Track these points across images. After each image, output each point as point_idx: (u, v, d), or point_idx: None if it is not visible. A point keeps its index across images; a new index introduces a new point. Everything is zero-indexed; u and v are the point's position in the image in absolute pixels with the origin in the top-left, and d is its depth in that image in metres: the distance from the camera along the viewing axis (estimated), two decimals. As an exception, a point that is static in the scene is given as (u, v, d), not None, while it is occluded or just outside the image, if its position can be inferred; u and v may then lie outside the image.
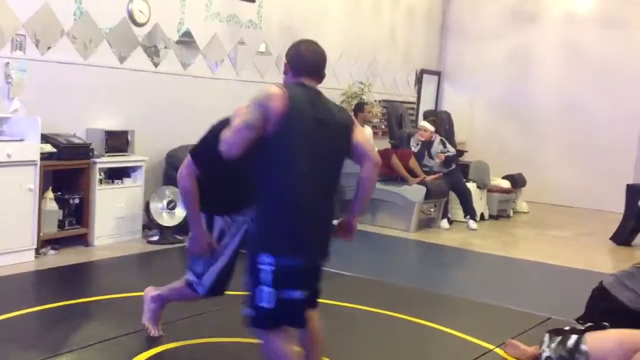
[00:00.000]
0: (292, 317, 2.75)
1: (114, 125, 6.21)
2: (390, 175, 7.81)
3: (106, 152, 5.93)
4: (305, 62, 2.83)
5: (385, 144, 8.78)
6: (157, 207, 6.18)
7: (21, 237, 5.13)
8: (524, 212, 9.22)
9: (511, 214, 8.92)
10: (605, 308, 3.02)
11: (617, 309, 3.02)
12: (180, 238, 6.21)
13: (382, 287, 5.23)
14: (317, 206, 2.72)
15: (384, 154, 7.99)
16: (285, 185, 2.68)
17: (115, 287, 4.71)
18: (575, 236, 7.95)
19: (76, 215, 5.73)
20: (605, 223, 8.24)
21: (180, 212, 6.22)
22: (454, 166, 8.22)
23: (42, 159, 5.27)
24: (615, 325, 2.95)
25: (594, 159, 9.78)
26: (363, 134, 2.94)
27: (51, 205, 5.50)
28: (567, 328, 2.97)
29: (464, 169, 8.59)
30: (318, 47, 2.88)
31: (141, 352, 3.52)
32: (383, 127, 9.48)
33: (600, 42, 9.78)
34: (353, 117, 2.99)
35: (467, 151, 9.70)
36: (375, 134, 8.62)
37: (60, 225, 5.60)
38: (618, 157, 9.58)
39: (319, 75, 2.86)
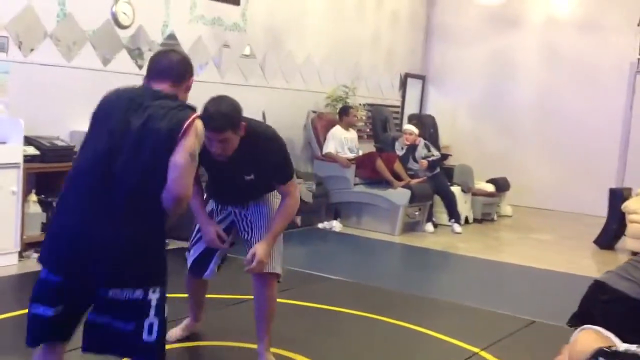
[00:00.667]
0: (37, 334, 2.52)
1: (98, 127, 6.16)
2: (375, 179, 7.82)
3: (90, 155, 5.88)
4: (151, 66, 2.72)
5: (370, 147, 8.79)
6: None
7: (4, 240, 5.08)
8: (508, 216, 9.28)
9: (495, 217, 8.97)
10: (605, 300, 3.01)
11: (617, 298, 3.01)
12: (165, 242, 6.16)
13: (367, 290, 5.23)
14: (86, 226, 2.38)
15: (368, 157, 8.03)
16: (61, 196, 2.56)
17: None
18: (559, 239, 8.01)
19: (59, 219, 5.67)
20: (587, 226, 8.31)
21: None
22: (438, 170, 8.25)
23: (25, 161, 5.22)
24: (614, 316, 2.95)
25: (575, 162, 9.86)
26: (184, 153, 2.39)
27: (34, 208, 5.45)
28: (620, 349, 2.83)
29: (448, 172, 8.63)
30: (170, 53, 2.80)
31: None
32: (368, 130, 9.50)
33: (580, 45, 9.87)
34: (188, 126, 2.42)
35: (451, 155, 9.75)
36: (360, 137, 8.63)
37: (44, 228, 5.55)
38: (599, 160, 9.67)
39: (167, 78, 2.62)
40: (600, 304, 2.97)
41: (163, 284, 2.47)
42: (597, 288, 3.12)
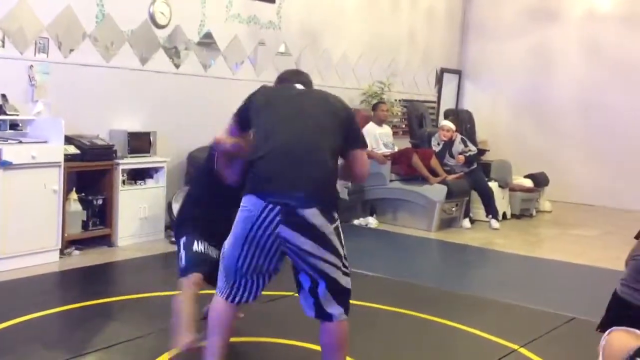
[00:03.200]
0: None
1: (136, 126, 6.26)
2: (411, 175, 7.79)
3: (129, 153, 5.98)
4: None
5: (406, 143, 8.75)
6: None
7: (46, 238, 5.18)
8: (547, 212, 9.14)
9: (534, 213, 8.85)
10: (632, 315, 2.95)
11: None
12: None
13: (404, 287, 5.21)
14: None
15: (404, 153, 8.00)
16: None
17: (138, 287, 4.75)
18: (599, 235, 7.87)
19: (100, 216, 5.79)
20: (628, 222, 8.14)
21: (202, 213, 6.24)
22: (475, 165, 8.18)
23: (65, 160, 5.32)
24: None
25: (615, 158, 9.67)
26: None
27: (75, 206, 5.55)
28: None
29: (486, 168, 8.54)
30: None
31: (165, 351, 3.53)
32: (403, 126, 9.46)
33: (621, 39, 9.67)
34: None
35: (488, 150, 9.64)
36: (395, 133, 8.60)
37: (84, 226, 5.66)
38: (639, 155, 9.48)
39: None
40: (627, 319, 2.90)
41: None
42: (621, 304, 3.06)
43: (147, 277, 5.19)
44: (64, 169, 5.29)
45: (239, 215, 2.81)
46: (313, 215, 2.70)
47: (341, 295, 2.87)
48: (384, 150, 7.99)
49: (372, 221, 7.65)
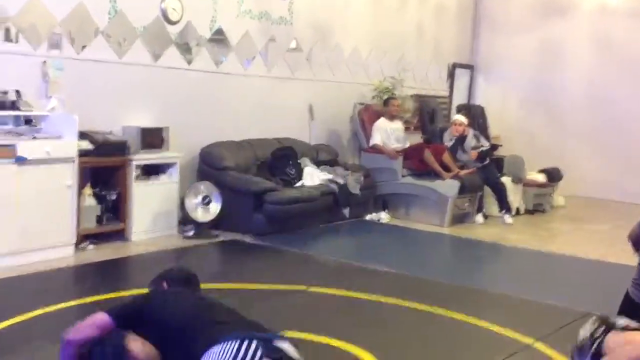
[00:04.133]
0: None
1: (149, 122, 6.28)
2: (423, 170, 7.76)
3: (142, 149, 6.00)
4: None
5: (418, 139, 8.73)
6: (192, 203, 6.24)
7: (61, 233, 5.22)
8: (561, 206, 9.10)
9: (547, 208, 8.80)
10: None
11: None
12: (216, 233, 6.26)
13: (417, 282, 5.20)
14: None
15: (416, 148, 7.98)
16: None
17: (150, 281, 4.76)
18: (613, 230, 7.81)
19: (114, 211, 5.82)
20: (638, 216, 8.07)
21: (215, 208, 6.28)
22: (488, 160, 8.15)
23: (79, 155, 5.35)
24: None
25: (628, 152, 9.61)
26: None
27: (89, 201, 5.59)
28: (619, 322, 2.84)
29: (499, 163, 8.50)
30: None
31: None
32: (415, 122, 9.43)
33: (631, 34, 9.60)
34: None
35: (501, 145, 9.58)
36: (407, 129, 8.58)
37: (99, 220, 5.70)
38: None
39: None
40: (638, 320, 2.88)
41: None
42: (632, 304, 3.04)
43: (158, 271, 5.20)
44: (78, 164, 5.32)
45: None
46: None
47: None
48: (396, 146, 7.98)
49: (384, 216, 7.64)
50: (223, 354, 2.30)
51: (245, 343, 2.32)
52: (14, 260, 4.89)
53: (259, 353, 2.30)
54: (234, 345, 2.32)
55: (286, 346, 2.43)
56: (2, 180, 4.82)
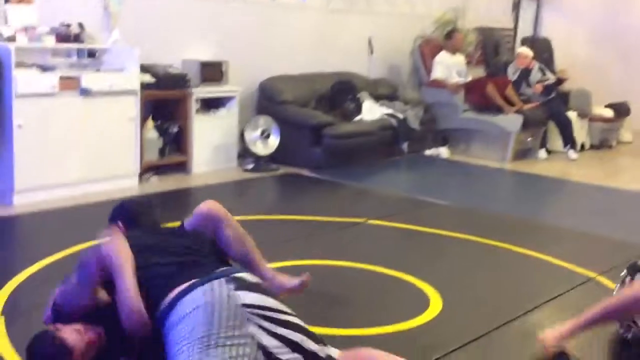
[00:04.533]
0: None
1: (209, 56, 6.28)
2: (485, 105, 7.59)
3: (201, 83, 6.03)
4: None
5: (481, 72, 8.51)
6: (252, 136, 6.27)
7: (125, 164, 5.34)
8: (628, 142, 8.80)
9: (614, 144, 8.53)
10: None
11: None
12: (275, 166, 6.31)
13: (477, 216, 5.14)
14: None
15: (478, 82, 7.79)
16: None
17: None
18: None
19: (175, 144, 5.91)
20: None
21: (273, 141, 6.30)
22: (553, 94, 7.90)
23: (141, 88, 5.41)
24: None
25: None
26: None
27: (152, 133, 5.68)
28: None
29: (564, 97, 8.23)
30: None
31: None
32: (478, 55, 9.16)
33: None
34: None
35: (567, 79, 9.24)
36: (469, 62, 8.34)
37: (161, 153, 5.80)
38: None
39: None
40: None
41: None
42: None
43: (221, 203, 5.29)
44: (140, 97, 5.39)
45: None
46: None
47: None
48: (457, 80, 7.80)
49: (443, 152, 7.54)
50: (193, 303, 2.21)
51: (214, 284, 2.25)
52: (79, 189, 5.03)
53: (232, 286, 2.25)
54: (203, 291, 2.23)
55: (244, 274, 2.38)
56: (67, 112, 4.93)
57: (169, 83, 5.73)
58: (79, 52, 5.24)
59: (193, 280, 2.28)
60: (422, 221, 4.79)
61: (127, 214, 2.91)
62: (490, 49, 8.80)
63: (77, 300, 2.40)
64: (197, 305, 2.19)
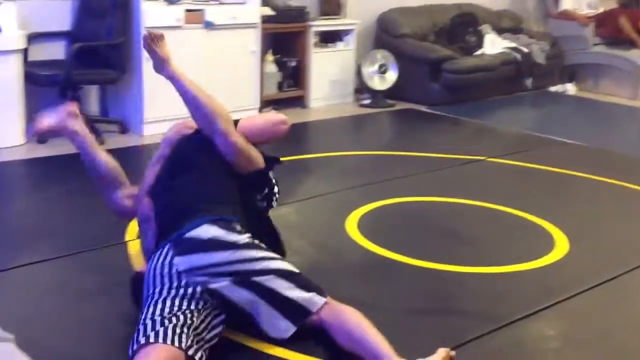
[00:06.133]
0: None
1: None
2: (617, 38, 7.18)
3: (320, 16, 5.98)
4: None
5: (613, 4, 7.95)
6: (369, 71, 6.20)
7: (246, 97, 5.42)
8: None
9: None
10: None
11: None
12: (391, 102, 6.23)
13: (606, 156, 4.88)
14: None
15: (610, 14, 7.33)
16: None
17: (331, 146, 4.89)
18: None
19: (293, 78, 5.94)
20: None
21: (391, 76, 6.21)
22: (694, 27, 7.31)
23: (262, 22, 5.43)
24: None
25: None
26: None
27: (271, 67, 5.73)
28: None
29: None
30: None
31: (360, 206, 3.65)
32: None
33: None
34: None
35: None
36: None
37: (279, 87, 5.85)
38: None
39: None
40: None
41: None
42: None
43: (338, 138, 5.33)
44: (261, 30, 5.42)
45: None
46: None
47: None
48: (587, 11, 7.37)
49: (570, 88, 7.18)
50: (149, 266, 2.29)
51: (163, 250, 2.27)
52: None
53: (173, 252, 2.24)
54: (154, 255, 2.29)
55: (198, 231, 2.28)
56: (192, 45, 5.03)
57: (288, 16, 5.73)
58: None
59: (161, 242, 2.32)
60: (546, 160, 4.61)
61: None
62: (626, -23, 8.18)
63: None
64: (148, 270, 2.27)
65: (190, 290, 2.16)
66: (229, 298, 2.19)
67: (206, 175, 2.51)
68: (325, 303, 2.22)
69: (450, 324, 2.50)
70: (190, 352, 2.03)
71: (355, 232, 3.29)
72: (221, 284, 2.17)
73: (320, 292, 2.26)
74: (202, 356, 2.08)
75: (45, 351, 1.99)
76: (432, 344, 2.12)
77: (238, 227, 2.33)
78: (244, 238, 2.28)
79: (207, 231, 2.25)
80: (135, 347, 2.02)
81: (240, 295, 2.19)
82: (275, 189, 2.72)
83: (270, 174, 2.69)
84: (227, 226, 2.28)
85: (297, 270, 2.29)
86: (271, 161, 2.69)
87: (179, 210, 2.37)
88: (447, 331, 2.43)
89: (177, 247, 2.23)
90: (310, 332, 2.24)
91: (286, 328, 2.20)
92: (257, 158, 2.63)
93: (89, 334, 2.35)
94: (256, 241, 2.33)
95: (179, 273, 2.19)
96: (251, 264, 2.21)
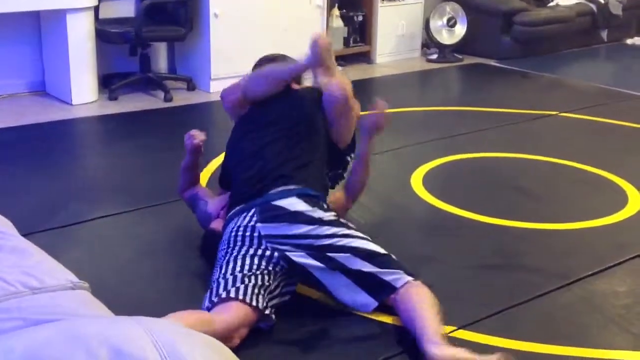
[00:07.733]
0: None
1: (394, -61, 6.05)
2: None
3: (387, -32, 5.86)
4: None
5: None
6: (437, 25, 6.06)
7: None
8: None
9: None
10: None
11: None
12: (459, 57, 6.09)
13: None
14: None
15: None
16: None
17: (397, 102, 4.81)
18: None
19: (360, 33, 5.86)
20: None
21: (460, 30, 6.06)
22: None
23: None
24: None
25: None
26: None
27: (337, 22, 5.67)
28: None
29: None
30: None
31: (428, 161, 3.61)
32: None
33: None
34: None
35: None
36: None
37: (345, 42, 5.79)
38: None
39: None
40: None
41: None
42: None
43: (404, 93, 5.25)
44: (326, -16, 5.35)
45: None
46: None
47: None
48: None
49: (649, 40, 6.87)
50: (228, 228, 2.33)
51: (248, 213, 2.30)
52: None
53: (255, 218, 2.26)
54: (237, 219, 2.31)
55: (285, 201, 2.28)
56: (259, 0, 5.02)
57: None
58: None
59: (241, 206, 2.33)
60: (621, 115, 4.44)
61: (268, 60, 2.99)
62: None
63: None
64: (229, 230, 2.30)
65: (268, 253, 2.19)
66: (307, 268, 2.20)
67: (301, 142, 2.48)
68: (407, 282, 2.16)
69: (519, 280, 2.47)
70: (266, 312, 2.09)
71: (420, 188, 3.27)
72: (300, 255, 2.19)
73: (405, 272, 2.19)
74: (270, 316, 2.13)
75: (119, 299, 2.06)
76: (501, 300, 2.10)
77: (325, 205, 2.36)
78: (329, 215, 2.28)
79: (295, 204, 2.26)
80: (215, 299, 2.08)
81: (317, 268, 2.19)
82: (345, 173, 2.73)
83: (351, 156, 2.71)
84: (315, 202, 2.30)
85: (382, 251, 2.23)
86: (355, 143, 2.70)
87: (268, 172, 2.37)
88: (516, 287, 2.40)
89: (263, 213, 2.26)
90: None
91: (366, 302, 2.19)
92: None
93: (161, 285, 2.42)
94: (342, 220, 2.33)
95: (260, 237, 2.22)
96: (331, 239, 2.20)
